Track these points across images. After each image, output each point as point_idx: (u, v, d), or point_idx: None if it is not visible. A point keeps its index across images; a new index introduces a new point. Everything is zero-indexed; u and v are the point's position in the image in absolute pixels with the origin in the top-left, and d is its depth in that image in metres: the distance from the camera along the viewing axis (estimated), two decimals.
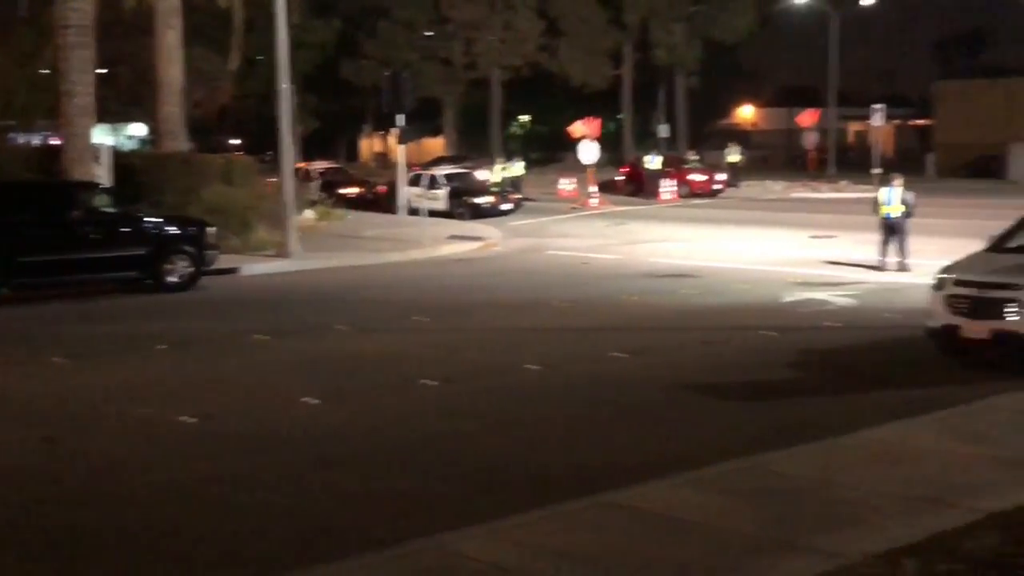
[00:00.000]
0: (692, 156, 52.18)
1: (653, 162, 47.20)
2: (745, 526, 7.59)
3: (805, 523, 7.60)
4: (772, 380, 13.14)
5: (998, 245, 14.57)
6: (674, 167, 46.99)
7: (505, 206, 37.91)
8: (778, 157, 67.12)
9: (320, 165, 47.22)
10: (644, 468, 9.23)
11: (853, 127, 69.73)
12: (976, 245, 15.00)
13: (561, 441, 10.63)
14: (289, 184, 25.81)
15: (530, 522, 7.85)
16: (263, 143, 50.10)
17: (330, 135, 74.26)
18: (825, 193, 47.11)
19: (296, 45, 38.80)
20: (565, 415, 11.65)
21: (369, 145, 79.84)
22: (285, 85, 25.42)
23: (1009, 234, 14.74)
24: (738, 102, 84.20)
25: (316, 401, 12.15)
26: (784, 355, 14.38)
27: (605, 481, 8.79)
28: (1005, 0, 45.83)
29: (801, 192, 47.87)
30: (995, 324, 12.96)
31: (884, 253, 22.37)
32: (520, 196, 40.46)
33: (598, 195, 42.01)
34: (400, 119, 29.69)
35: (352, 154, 78.59)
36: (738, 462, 9.18)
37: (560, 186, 45.96)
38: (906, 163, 53.13)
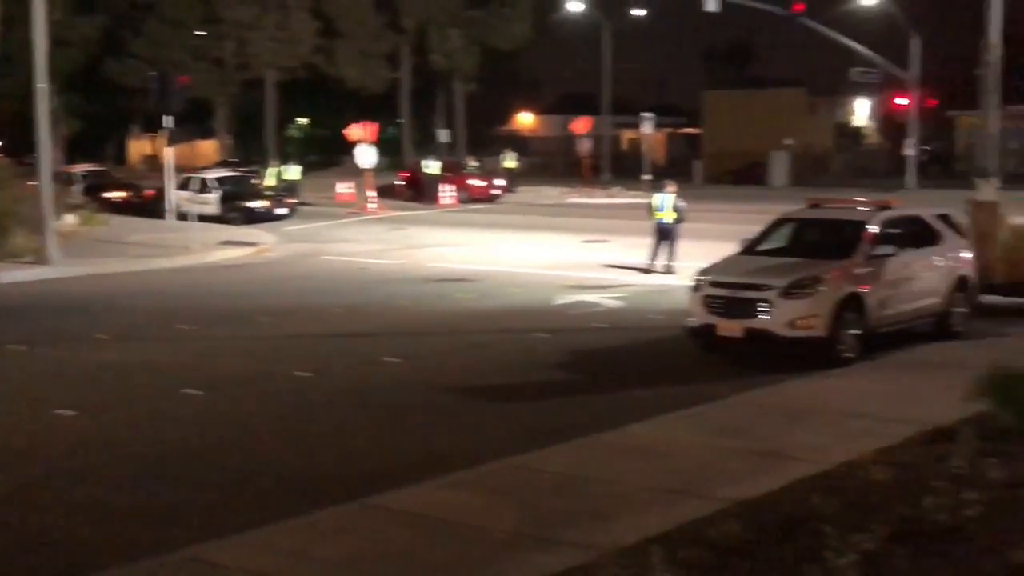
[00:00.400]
0: (471, 162, 52.65)
1: (432, 167, 47.40)
2: (503, 524, 7.70)
3: (561, 518, 7.77)
4: (540, 381, 13.40)
5: (750, 248, 15.34)
6: (453, 172, 47.30)
7: (280, 210, 37.18)
8: (556, 163, 68.46)
9: (83, 168, 45.22)
10: (410, 471, 9.25)
11: (627, 135, 71.80)
12: (735, 248, 15.71)
13: (327, 447, 10.53)
14: (48, 188, 24.65)
15: (291, 528, 7.75)
16: (24, 145, 47.68)
17: (97, 137, 71.36)
18: (599, 199, 48.39)
19: (57, 43, 37.15)
20: (333, 421, 11.54)
21: (138, 147, 77.03)
22: (43, 85, 24.28)
23: (760, 238, 15.55)
24: (517, 109, 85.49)
25: (71, 413, 11.64)
26: (553, 356, 14.69)
27: (370, 485, 8.76)
28: (766, 15, 48.06)
29: (576, 198, 49.00)
30: (747, 322, 13.64)
31: (653, 257, 23.13)
32: (296, 200, 39.83)
33: (377, 200, 41.85)
34: (168, 121, 28.70)
35: (121, 157, 75.66)
36: (500, 462, 9.31)
37: (338, 190, 45.59)
38: (676, 170, 55.14)
